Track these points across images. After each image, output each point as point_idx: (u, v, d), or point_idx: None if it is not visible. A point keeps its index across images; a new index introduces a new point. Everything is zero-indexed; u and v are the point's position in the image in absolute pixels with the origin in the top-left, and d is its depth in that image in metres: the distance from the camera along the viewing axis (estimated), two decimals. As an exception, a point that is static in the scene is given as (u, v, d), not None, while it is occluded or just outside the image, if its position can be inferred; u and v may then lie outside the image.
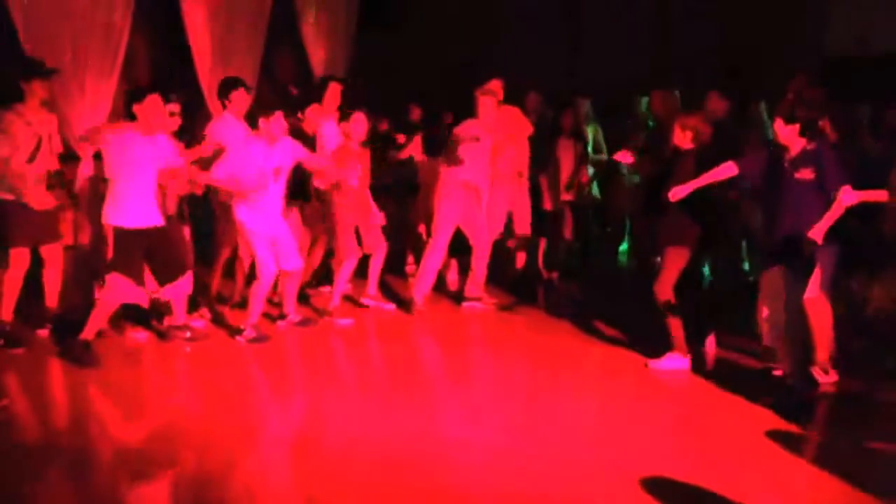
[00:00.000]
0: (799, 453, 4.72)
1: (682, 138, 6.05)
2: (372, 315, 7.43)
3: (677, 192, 5.72)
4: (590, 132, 8.81)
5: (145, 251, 6.09)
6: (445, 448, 4.77)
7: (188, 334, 6.51)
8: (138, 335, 6.60)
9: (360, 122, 7.05)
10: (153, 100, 5.98)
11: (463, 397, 5.79)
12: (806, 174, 5.25)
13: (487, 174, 7.56)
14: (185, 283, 6.39)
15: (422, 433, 4.94)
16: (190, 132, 6.98)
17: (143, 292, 6.22)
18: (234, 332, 6.68)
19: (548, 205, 8.47)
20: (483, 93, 7.33)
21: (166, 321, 6.59)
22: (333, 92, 7.46)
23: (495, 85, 7.71)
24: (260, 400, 5.77)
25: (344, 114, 7.23)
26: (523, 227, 8.18)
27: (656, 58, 10.47)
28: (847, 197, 5.09)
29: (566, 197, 8.47)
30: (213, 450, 4.74)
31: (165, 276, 6.24)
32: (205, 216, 7.32)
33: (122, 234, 6.00)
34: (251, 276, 6.78)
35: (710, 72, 9.75)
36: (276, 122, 6.39)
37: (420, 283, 7.48)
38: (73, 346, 6.05)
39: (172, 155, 6.16)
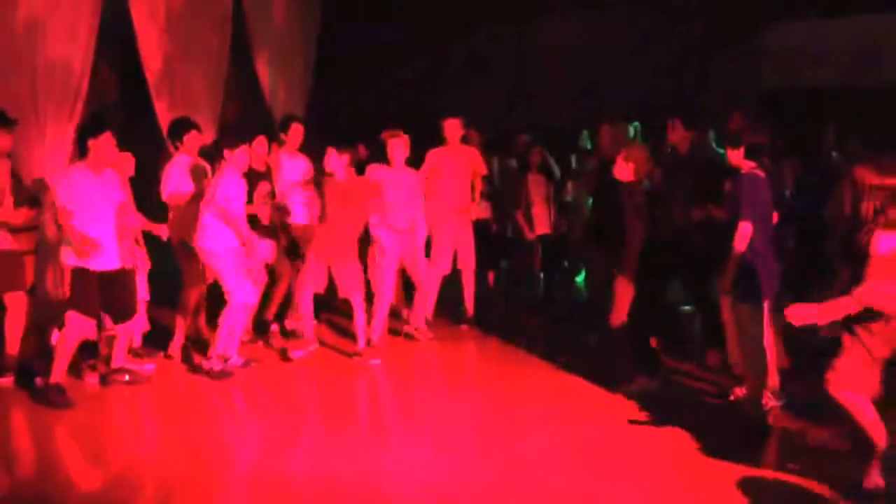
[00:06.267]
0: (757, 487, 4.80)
1: (624, 170, 6.16)
2: (328, 351, 7.43)
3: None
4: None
5: (101, 290, 6.12)
6: (408, 483, 4.85)
7: (126, 377, 6.48)
8: (94, 380, 6.54)
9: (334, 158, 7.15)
10: (107, 137, 6.06)
11: (424, 431, 5.83)
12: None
13: (419, 212, 7.69)
14: (136, 323, 6.44)
15: (385, 469, 5.02)
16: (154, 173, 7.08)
17: (95, 327, 6.24)
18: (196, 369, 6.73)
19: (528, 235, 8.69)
20: (391, 136, 7.50)
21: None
22: (296, 131, 7.67)
23: (452, 123, 7.93)
24: (223, 440, 5.75)
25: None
26: (468, 262, 8.18)
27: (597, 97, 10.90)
28: (743, 231, 5.43)
29: (540, 231, 8.68)
30: (178, 491, 4.78)
31: (119, 315, 6.28)
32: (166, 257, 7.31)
33: (78, 274, 6.06)
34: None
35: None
36: (240, 154, 6.59)
37: (377, 322, 7.51)
38: (45, 390, 6.05)
39: (117, 191, 6.21)
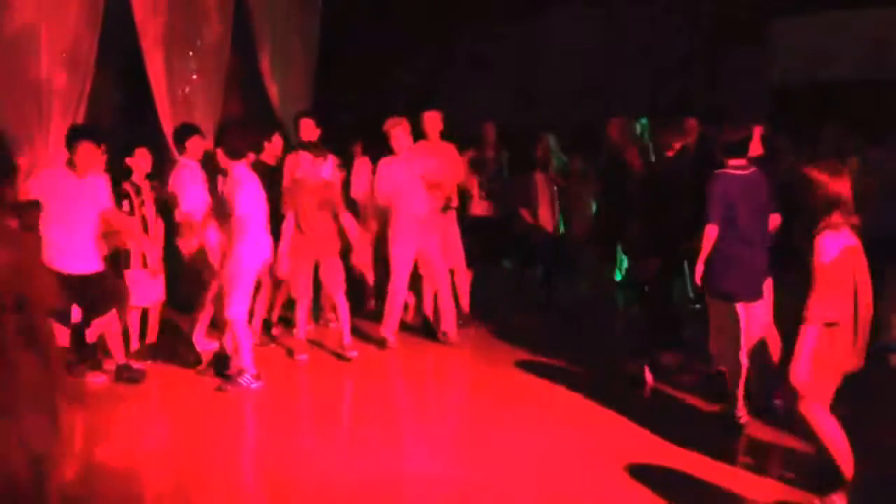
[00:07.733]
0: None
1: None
2: (333, 351, 7.37)
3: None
4: (555, 164, 8.98)
5: (77, 293, 6.09)
6: (414, 484, 4.85)
7: (125, 376, 6.48)
8: (97, 378, 6.56)
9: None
10: (83, 147, 6.09)
11: (427, 432, 5.84)
12: None
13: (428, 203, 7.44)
14: (109, 322, 6.38)
15: (390, 469, 5.01)
16: (158, 176, 7.09)
17: (66, 332, 6.22)
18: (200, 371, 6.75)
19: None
20: (393, 124, 7.33)
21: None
22: (306, 127, 7.60)
23: (432, 116, 7.73)
24: (228, 439, 5.75)
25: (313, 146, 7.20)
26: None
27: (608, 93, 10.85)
28: (710, 231, 5.38)
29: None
30: (177, 491, 4.80)
31: (90, 314, 6.25)
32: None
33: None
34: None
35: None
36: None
37: (388, 319, 7.46)
38: None
39: (101, 195, 6.21)
